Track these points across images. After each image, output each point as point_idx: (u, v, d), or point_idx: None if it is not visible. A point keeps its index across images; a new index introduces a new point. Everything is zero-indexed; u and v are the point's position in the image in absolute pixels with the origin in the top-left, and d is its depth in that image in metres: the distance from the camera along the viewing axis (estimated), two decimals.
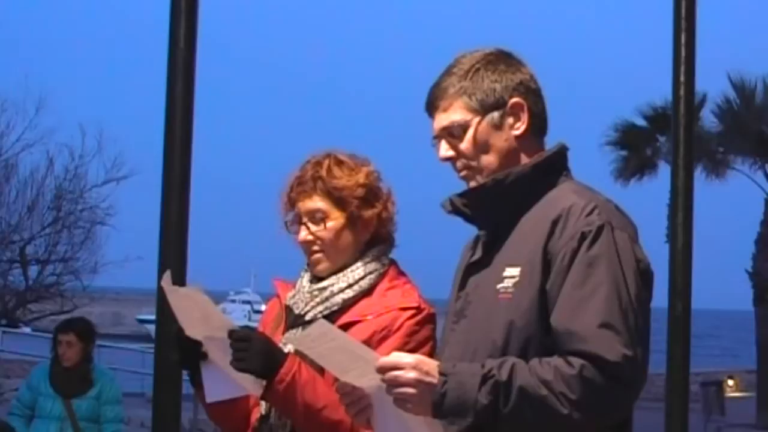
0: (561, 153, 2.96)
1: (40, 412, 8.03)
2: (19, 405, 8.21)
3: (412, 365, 2.70)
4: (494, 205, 2.91)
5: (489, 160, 2.91)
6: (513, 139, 2.91)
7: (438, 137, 2.96)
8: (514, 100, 2.91)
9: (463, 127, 2.91)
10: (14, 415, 8.18)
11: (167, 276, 3.24)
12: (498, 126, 2.91)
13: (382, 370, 2.72)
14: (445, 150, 2.94)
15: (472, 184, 2.93)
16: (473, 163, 2.92)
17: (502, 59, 2.96)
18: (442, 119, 2.94)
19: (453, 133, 2.92)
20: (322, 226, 3.38)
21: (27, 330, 30.71)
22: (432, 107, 2.96)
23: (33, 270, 32.26)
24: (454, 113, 2.92)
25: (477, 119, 2.90)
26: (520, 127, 2.92)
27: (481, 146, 2.90)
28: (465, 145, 2.91)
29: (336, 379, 2.95)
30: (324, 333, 2.87)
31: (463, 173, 2.94)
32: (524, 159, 2.92)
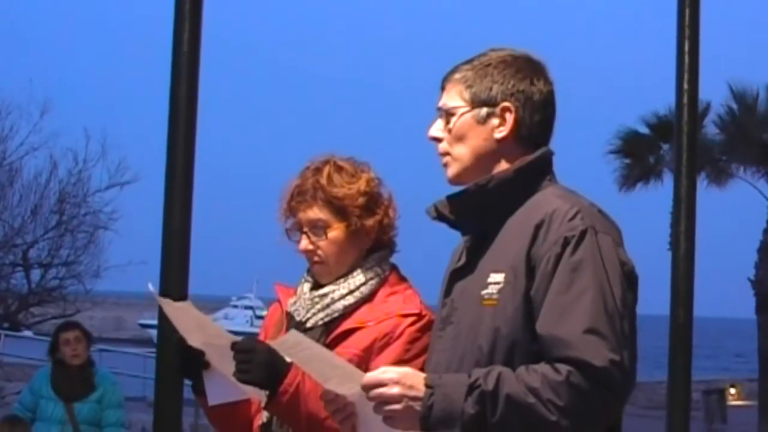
0: (545, 157, 2.95)
1: (42, 416, 8.04)
2: (20, 408, 8.24)
3: (395, 381, 2.69)
4: (477, 211, 2.91)
5: (462, 152, 2.92)
6: (493, 141, 2.92)
7: (438, 113, 2.99)
8: (505, 104, 2.91)
9: (451, 113, 2.94)
10: None
11: (152, 287, 3.27)
12: (481, 122, 2.92)
13: (367, 388, 2.71)
14: (435, 129, 2.98)
15: (447, 172, 2.94)
16: (449, 151, 2.94)
17: (518, 63, 2.96)
18: (443, 98, 2.98)
19: (444, 116, 2.96)
20: (323, 236, 3.36)
21: (29, 333, 30.69)
22: (442, 84, 3.00)
23: (35, 273, 32.30)
24: (449, 97, 2.96)
25: (464, 109, 2.92)
26: (503, 131, 2.92)
27: (459, 136, 2.92)
28: (447, 130, 2.94)
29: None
30: (298, 342, 2.90)
31: (442, 159, 2.97)
32: (504, 164, 2.91)
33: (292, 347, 2.91)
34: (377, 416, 2.73)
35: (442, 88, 2.99)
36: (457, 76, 2.95)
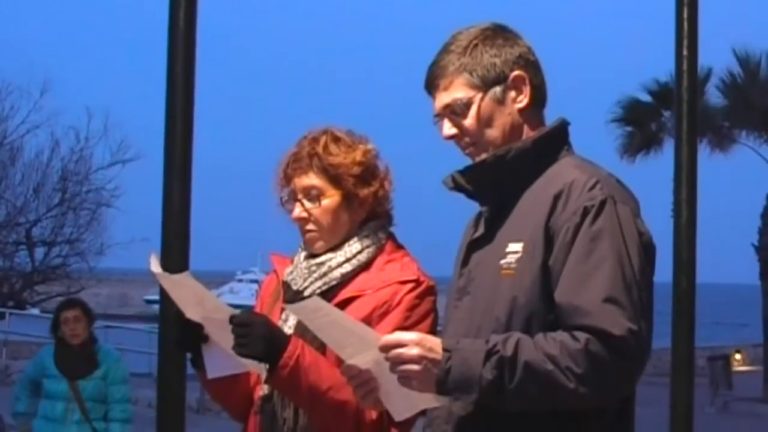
0: (562, 128, 2.95)
1: (47, 393, 8.07)
2: (24, 377, 8.45)
3: (415, 342, 2.68)
4: (496, 181, 2.90)
5: (494, 134, 2.90)
6: (516, 113, 2.91)
7: (440, 116, 2.95)
8: (516, 73, 2.90)
9: (467, 104, 2.90)
10: (19, 386, 8.33)
11: (154, 259, 3.23)
12: (501, 101, 2.90)
13: (385, 348, 2.70)
14: (448, 128, 2.93)
15: (478, 160, 2.92)
16: (478, 140, 2.91)
17: (499, 34, 2.95)
18: (443, 97, 2.93)
19: (456, 111, 2.92)
20: (317, 203, 3.35)
21: (34, 311, 30.73)
22: (432, 86, 2.95)
23: (39, 252, 32.37)
24: (455, 91, 2.91)
25: (479, 95, 2.90)
26: (523, 100, 2.91)
27: (485, 122, 2.90)
28: (469, 121, 2.91)
29: (340, 360, 2.94)
30: (319, 308, 2.87)
31: (468, 150, 2.94)
32: (528, 132, 2.91)
33: (312, 313, 2.89)
34: (394, 382, 2.72)
35: (435, 89, 2.94)
36: (451, 68, 2.91)
